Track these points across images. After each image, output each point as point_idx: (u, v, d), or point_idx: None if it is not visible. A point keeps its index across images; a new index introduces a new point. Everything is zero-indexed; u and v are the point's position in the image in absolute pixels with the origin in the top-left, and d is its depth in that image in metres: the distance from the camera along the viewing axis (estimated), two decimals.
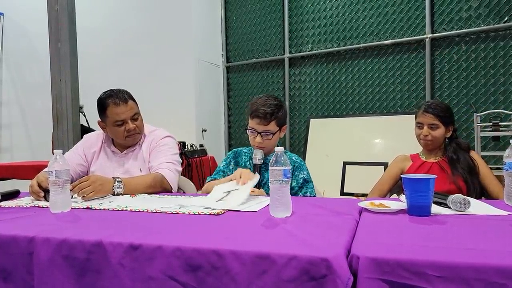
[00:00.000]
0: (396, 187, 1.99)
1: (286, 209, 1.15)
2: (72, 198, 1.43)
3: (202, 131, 4.86)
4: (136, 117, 1.87)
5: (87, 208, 1.36)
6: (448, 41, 3.89)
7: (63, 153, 1.42)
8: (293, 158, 1.87)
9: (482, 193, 1.85)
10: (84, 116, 3.80)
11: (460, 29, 3.80)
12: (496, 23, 3.63)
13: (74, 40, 3.06)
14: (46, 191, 1.50)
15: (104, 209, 1.33)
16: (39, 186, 1.53)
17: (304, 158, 4.18)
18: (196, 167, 3.93)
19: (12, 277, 1.01)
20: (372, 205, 1.21)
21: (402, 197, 1.26)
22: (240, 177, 1.51)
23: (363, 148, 3.88)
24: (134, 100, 1.89)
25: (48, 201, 1.45)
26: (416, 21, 4.02)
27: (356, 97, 4.39)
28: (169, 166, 1.82)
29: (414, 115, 1.97)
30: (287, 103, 4.81)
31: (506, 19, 3.59)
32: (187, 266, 0.87)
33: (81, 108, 3.37)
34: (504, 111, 3.44)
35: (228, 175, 1.85)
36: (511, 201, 1.25)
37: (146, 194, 1.64)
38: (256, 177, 1.49)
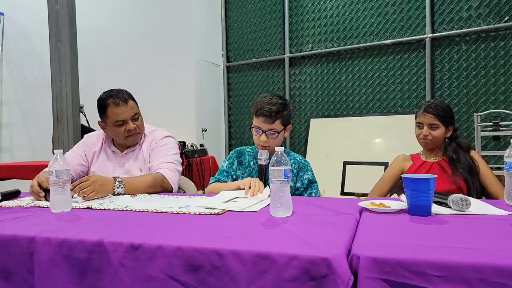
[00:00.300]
0: (397, 186, 1.99)
1: (286, 208, 1.15)
2: (72, 198, 1.43)
3: (202, 131, 4.86)
4: (136, 117, 1.87)
5: (88, 208, 1.37)
6: (448, 40, 3.89)
7: (64, 153, 1.42)
8: (298, 158, 1.86)
9: (483, 193, 1.85)
10: (85, 116, 3.80)
11: (460, 29, 3.80)
12: (497, 22, 3.63)
13: (74, 40, 3.06)
14: (47, 191, 1.50)
15: (104, 209, 1.33)
16: (40, 186, 1.53)
17: (304, 158, 4.18)
18: (197, 167, 3.94)
19: (13, 277, 1.01)
20: (373, 205, 1.21)
21: (403, 196, 1.26)
22: (250, 187, 1.48)
23: (363, 148, 3.88)
24: (134, 100, 1.89)
25: (48, 201, 1.45)
26: (417, 21, 4.02)
27: (356, 97, 4.39)
28: (169, 166, 1.82)
29: (414, 115, 1.97)
30: None
31: (506, 18, 3.59)
32: (188, 266, 0.87)
33: (81, 108, 3.38)
34: (505, 110, 3.44)
35: (232, 175, 1.85)
36: (511, 201, 1.25)
37: (147, 194, 1.64)
38: (267, 192, 1.45)
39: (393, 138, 3.79)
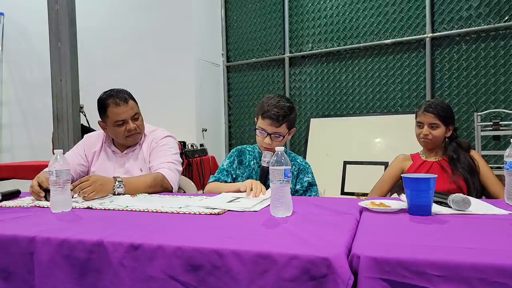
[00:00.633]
0: (397, 186, 1.99)
1: (286, 208, 1.15)
2: (72, 198, 1.43)
3: (203, 130, 4.86)
4: (136, 117, 1.87)
5: (88, 208, 1.37)
6: (448, 40, 3.89)
7: (64, 153, 1.42)
8: (298, 160, 1.85)
9: (483, 192, 1.85)
10: (85, 116, 3.80)
11: (460, 29, 3.80)
12: (497, 22, 3.63)
13: (74, 40, 3.06)
14: (47, 191, 1.50)
15: (104, 209, 1.33)
16: (40, 186, 1.53)
17: (304, 158, 4.17)
18: (197, 166, 3.93)
19: (13, 277, 1.01)
20: (373, 205, 1.21)
21: (403, 196, 1.26)
22: (251, 190, 1.48)
23: (363, 148, 3.88)
24: (134, 100, 1.89)
25: (48, 201, 1.45)
26: (417, 21, 4.02)
27: (356, 97, 4.39)
28: (169, 166, 1.82)
29: (415, 115, 1.97)
30: None
31: (506, 18, 3.59)
32: (188, 265, 0.87)
33: (81, 108, 3.38)
34: (505, 110, 3.44)
35: (232, 175, 1.84)
36: (511, 201, 1.25)
37: (147, 194, 1.64)
38: (267, 194, 1.43)
39: (393, 138, 3.79)
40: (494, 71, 3.66)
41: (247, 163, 1.86)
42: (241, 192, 1.55)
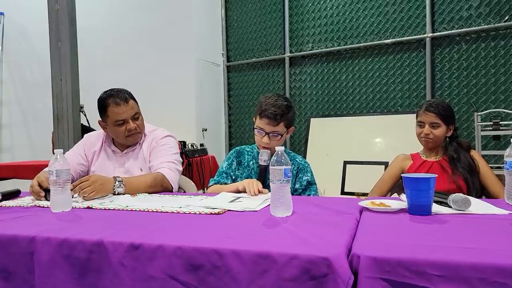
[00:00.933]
0: (397, 186, 1.99)
1: (286, 208, 1.15)
2: (72, 197, 1.43)
3: (203, 130, 4.86)
4: (136, 116, 1.87)
5: (88, 207, 1.37)
6: (448, 40, 3.89)
7: (64, 152, 1.42)
8: (298, 159, 1.85)
9: (483, 192, 1.85)
10: (85, 115, 3.80)
11: (460, 28, 3.80)
12: (497, 22, 3.63)
13: (74, 40, 3.06)
14: (47, 191, 1.50)
15: (104, 209, 1.33)
16: (40, 185, 1.53)
17: (304, 158, 4.18)
18: (197, 166, 3.93)
19: (13, 276, 1.01)
20: (373, 204, 1.21)
21: (403, 196, 1.26)
22: (250, 189, 1.49)
23: (363, 148, 3.88)
24: (134, 100, 1.89)
25: (48, 200, 1.45)
26: (417, 20, 4.02)
27: (356, 97, 4.39)
28: (169, 166, 1.82)
29: (415, 114, 1.97)
30: None
31: (506, 18, 3.59)
32: (188, 265, 0.87)
33: (81, 107, 3.38)
34: (505, 110, 3.44)
35: (231, 176, 1.84)
36: (511, 200, 1.25)
37: (147, 194, 1.64)
38: (269, 193, 1.39)
39: (393, 138, 3.79)
40: (494, 71, 3.66)
41: (246, 163, 1.86)
42: (240, 191, 1.55)
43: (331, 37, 4.52)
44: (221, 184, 1.80)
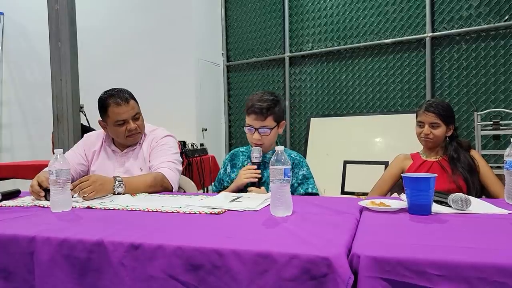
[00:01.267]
0: (397, 186, 1.99)
1: (286, 208, 1.15)
2: (72, 197, 1.43)
3: (203, 130, 4.86)
4: (137, 116, 1.87)
5: (88, 207, 1.37)
6: (448, 40, 3.88)
7: (64, 152, 1.42)
8: (292, 155, 1.85)
9: (482, 192, 1.85)
10: (85, 115, 3.80)
11: (460, 28, 3.80)
12: (497, 21, 3.63)
13: (74, 40, 3.06)
14: (47, 191, 1.50)
15: (104, 209, 1.33)
16: (40, 185, 1.53)
17: (304, 157, 4.18)
18: (197, 166, 3.93)
19: (13, 276, 1.01)
20: (373, 204, 1.21)
21: (403, 196, 1.26)
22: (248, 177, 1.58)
23: (363, 147, 3.88)
24: (135, 100, 1.89)
25: (48, 200, 1.45)
26: (417, 20, 4.02)
27: (356, 96, 4.39)
28: (169, 165, 1.82)
29: (415, 114, 1.97)
30: (287, 102, 4.81)
31: (506, 17, 3.59)
32: (188, 265, 0.87)
33: (81, 107, 3.38)
34: (505, 109, 3.44)
35: (228, 181, 1.85)
36: (511, 200, 1.25)
37: (147, 194, 1.64)
38: (269, 194, 1.36)
39: (393, 137, 3.79)
40: (494, 71, 3.66)
41: (240, 164, 1.87)
42: (243, 185, 1.62)
43: (331, 36, 4.52)
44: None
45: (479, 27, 3.70)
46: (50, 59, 3.06)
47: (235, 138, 5.31)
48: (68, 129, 3.05)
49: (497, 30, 3.65)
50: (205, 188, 3.94)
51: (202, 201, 1.39)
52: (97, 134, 2.01)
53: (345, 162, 3.87)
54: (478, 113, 3.34)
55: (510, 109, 3.44)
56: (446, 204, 1.20)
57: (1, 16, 5.36)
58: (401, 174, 1.24)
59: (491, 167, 1.93)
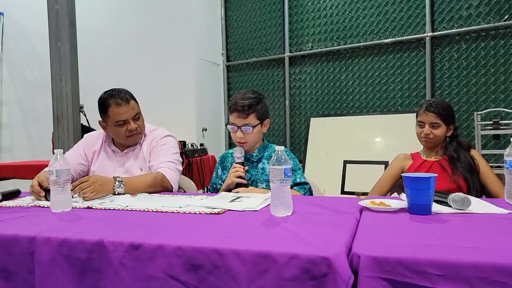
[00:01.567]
0: (397, 185, 1.99)
1: (286, 208, 1.15)
2: (72, 198, 1.43)
3: (203, 130, 4.86)
4: (137, 117, 1.87)
5: (88, 207, 1.37)
6: (448, 39, 3.88)
7: (64, 152, 1.42)
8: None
9: (483, 191, 1.85)
10: (85, 115, 3.80)
11: (460, 28, 3.80)
12: (497, 21, 3.63)
13: (74, 40, 3.06)
14: (47, 191, 1.50)
15: (104, 209, 1.33)
16: (40, 185, 1.52)
17: (304, 157, 4.18)
18: (197, 166, 3.94)
19: (13, 276, 1.01)
20: (373, 204, 1.21)
21: (403, 195, 1.26)
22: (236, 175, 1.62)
23: (363, 147, 3.88)
24: (135, 100, 1.88)
25: (48, 200, 1.45)
26: (417, 20, 4.02)
27: (356, 96, 4.39)
28: (169, 165, 1.82)
29: (415, 114, 1.97)
30: (287, 102, 4.81)
31: (506, 17, 3.59)
32: (188, 265, 0.87)
33: (81, 107, 3.38)
34: (505, 109, 3.44)
35: (220, 184, 1.86)
36: (511, 200, 1.25)
37: (147, 194, 1.64)
38: (269, 194, 1.32)
39: (393, 137, 3.79)
40: (494, 70, 3.66)
41: (229, 165, 1.88)
42: (233, 183, 1.65)
43: (330, 36, 4.52)
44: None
45: (479, 26, 3.70)
46: (50, 59, 3.06)
47: None
48: (68, 129, 3.05)
49: (497, 30, 3.65)
50: (205, 188, 3.94)
51: (202, 201, 1.39)
52: (97, 134, 2.01)
53: (345, 162, 3.87)
54: (478, 112, 3.34)
55: (510, 109, 3.44)
56: (446, 204, 1.20)
57: (1, 16, 5.36)
58: (401, 174, 1.24)
59: (491, 166, 1.93)
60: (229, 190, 1.72)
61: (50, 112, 3.13)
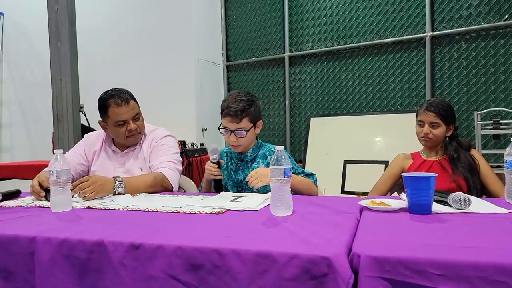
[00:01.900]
0: (397, 185, 1.99)
1: (287, 207, 1.15)
2: (72, 198, 1.43)
3: (203, 130, 4.86)
4: (137, 117, 1.87)
5: (88, 207, 1.37)
6: (448, 39, 3.88)
7: (64, 152, 1.42)
8: (273, 149, 1.84)
9: (483, 191, 1.85)
10: (85, 115, 3.80)
11: (460, 27, 3.80)
12: (497, 21, 3.63)
13: (74, 40, 3.06)
14: (47, 191, 1.50)
15: (105, 209, 1.33)
16: (40, 185, 1.53)
17: (304, 157, 4.18)
18: (197, 166, 3.94)
19: (13, 276, 1.01)
20: (373, 204, 1.21)
21: (403, 195, 1.26)
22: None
23: (363, 147, 3.88)
24: (135, 100, 1.88)
25: (49, 200, 1.45)
26: (417, 19, 4.02)
27: (356, 96, 4.39)
28: (169, 165, 1.82)
29: (415, 114, 1.97)
30: (287, 102, 4.81)
31: (506, 17, 3.59)
32: (188, 265, 0.87)
33: (81, 107, 3.37)
34: (505, 109, 3.44)
35: None
36: (511, 199, 1.25)
37: (147, 194, 1.64)
38: (269, 194, 1.32)
39: (393, 137, 3.79)
40: (494, 70, 3.66)
41: (225, 165, 1.87)
42: (204, 180, 1.73)
43: (330, 36, 4.51)
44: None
45: (479, 26, 3.69)
46: (50, 59, 3.06)
47: None
48: (68, 129, 3.05)
49: (497, 29, 3.65)
50: None
51: (202, 201, 1.39)
52: (97, 134, 2.01)
53: (345, 162, 3.87)
54: (478, 112, 3.34)
55: (510, 108, 3.44)
56: (446, 203, 1.20)
57: (1, 16, 5.36)
58: (401, 174, 1.24)
59: (491, 166, 1.93)
60: (209, 185, 1.79)
61: (50, 112, 3.13)
